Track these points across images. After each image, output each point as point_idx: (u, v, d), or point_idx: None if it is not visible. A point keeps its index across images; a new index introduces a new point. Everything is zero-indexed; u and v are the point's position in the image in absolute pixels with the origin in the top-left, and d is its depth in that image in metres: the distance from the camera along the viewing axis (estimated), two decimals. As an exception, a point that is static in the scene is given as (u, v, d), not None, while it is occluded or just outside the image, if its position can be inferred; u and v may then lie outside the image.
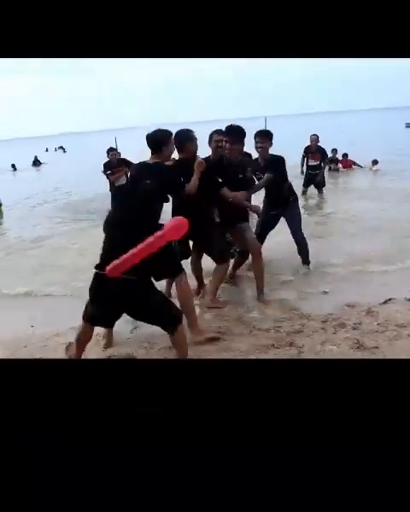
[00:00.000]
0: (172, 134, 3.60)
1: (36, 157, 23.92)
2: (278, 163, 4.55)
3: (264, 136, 4.55)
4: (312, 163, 9.35)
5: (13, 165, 21.87)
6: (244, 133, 4.04)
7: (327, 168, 10.55)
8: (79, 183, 14.18)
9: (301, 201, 5.15)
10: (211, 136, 4.12)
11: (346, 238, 5.84)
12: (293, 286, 4.50)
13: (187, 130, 3.85)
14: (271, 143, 4.57)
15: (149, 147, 3.57)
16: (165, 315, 2.89)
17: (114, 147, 7.93)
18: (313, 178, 9.21)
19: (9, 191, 12.85)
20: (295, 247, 4.84)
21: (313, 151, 9.31)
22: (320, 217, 7.70)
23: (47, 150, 38.48)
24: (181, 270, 3.37)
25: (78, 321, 3.11)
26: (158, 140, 3.55)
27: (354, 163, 12.86)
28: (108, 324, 3.16)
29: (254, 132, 4.45)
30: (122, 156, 7.87)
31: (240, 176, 4.01)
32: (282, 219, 4.88)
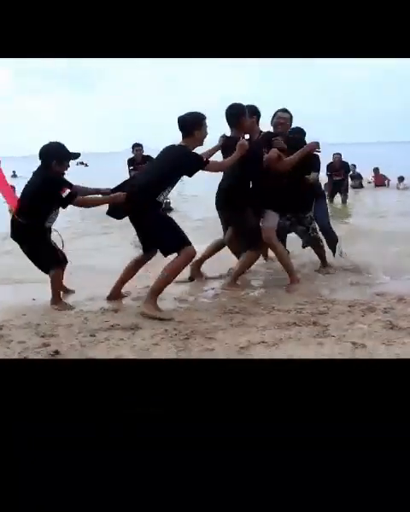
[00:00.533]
0: (205, 117, 3.66)
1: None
2: (318, 162, 4.54)
3: (297, 133, 4.55)
4: (336, 179, 10.26)
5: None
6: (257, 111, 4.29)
7: (350, 185, 10.70)
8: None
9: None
10: (275, 114, 4.31)
11: (374, 247, 5.55)
12: (316, 278, 4.16)
13: (238, 104, 3.99)
14: (304, 141, 4.57)
15: (180, 130, 3.64)
16: (48, 259, 3.74)
17: (140, 143, 7.79)
18: (337, 189, 10.19)
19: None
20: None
21: (337, 168, 10.15)
22: (346, 229, 7.26)
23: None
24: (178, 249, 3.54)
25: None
26: (190, 123, 3.59)
27: (385, 177, 12.88)
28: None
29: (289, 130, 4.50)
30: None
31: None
32: None
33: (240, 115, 3.94)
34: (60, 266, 3.77)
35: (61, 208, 3.68)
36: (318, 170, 4.65)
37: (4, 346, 2.94)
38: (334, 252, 4.85)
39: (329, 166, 10.09)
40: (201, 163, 3.61)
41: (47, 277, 3.91)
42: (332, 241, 4.86)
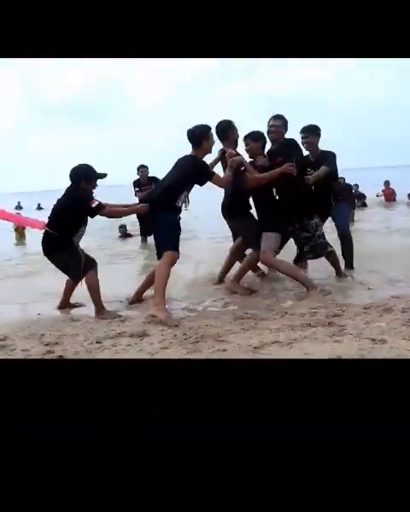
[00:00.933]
0: (210, 128, 4.08)
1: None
2: (332, 158, 4.56)
3: (309, 131, 4.57)
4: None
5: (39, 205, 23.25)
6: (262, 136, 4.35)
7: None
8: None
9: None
10: (269, 121, 4.39)
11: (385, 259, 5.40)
12: (328, 284, 4.05)
13: (227, 120, 4.36)
14: (318, 137, 4.63)
15: (190, 142, 4.02)
16: (72, 270, 3.96)
17: (145, 164, 7.80)
18: None
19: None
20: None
21: (336, 192, 10.04)
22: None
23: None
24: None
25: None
26: (198, 135, 3.99)
27: (394, 191, 12.90)
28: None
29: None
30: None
31: None
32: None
33: (226, 130, 4.32)
34: (89, 272, 3.96)
35: (89, 218, 4.04)
36: (335, 176, 4.66)
37: (7, 354, 2.87)
38: (351, 263, 4.79)
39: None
40: (208, 174, 4.05)
41: (50, 296, 4.19)
42: (349, 249, 4.79)
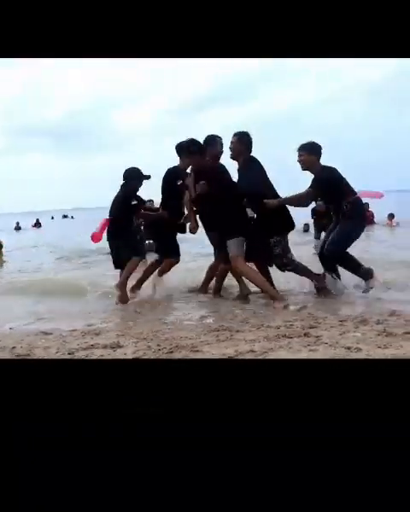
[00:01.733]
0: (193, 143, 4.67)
1: (17, 223, 25.32)
2: (324, 179, 4.27)
3: (303, 149, 4.36)
4: (320, 222, 10.96)
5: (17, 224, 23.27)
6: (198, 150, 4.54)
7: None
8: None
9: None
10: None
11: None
12: (304, 300, 4.05)
13: (210, 135, 4.77)
14: (316, 156, 4.33)
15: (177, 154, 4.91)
16: (132, 249, 4.76)
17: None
18: (322, 228, 10.62)
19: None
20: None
21: (322, 215, 10.61)
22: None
23: (53, 218, 40.48)
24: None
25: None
26: (178, 148, 4.80)
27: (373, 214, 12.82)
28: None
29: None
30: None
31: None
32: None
33: (205, 145, 4.70)
34: (139, 257, 4.81)
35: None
36: (340, 194, 4.31)
37: (-25, 366, 2.75)
38: (361, 275, 4.37)
39: (314, 211, 10.89)
40: (175, 180, 4.73)
41: (24, 314, 4.30)
42: (349, 267, 4.40)
